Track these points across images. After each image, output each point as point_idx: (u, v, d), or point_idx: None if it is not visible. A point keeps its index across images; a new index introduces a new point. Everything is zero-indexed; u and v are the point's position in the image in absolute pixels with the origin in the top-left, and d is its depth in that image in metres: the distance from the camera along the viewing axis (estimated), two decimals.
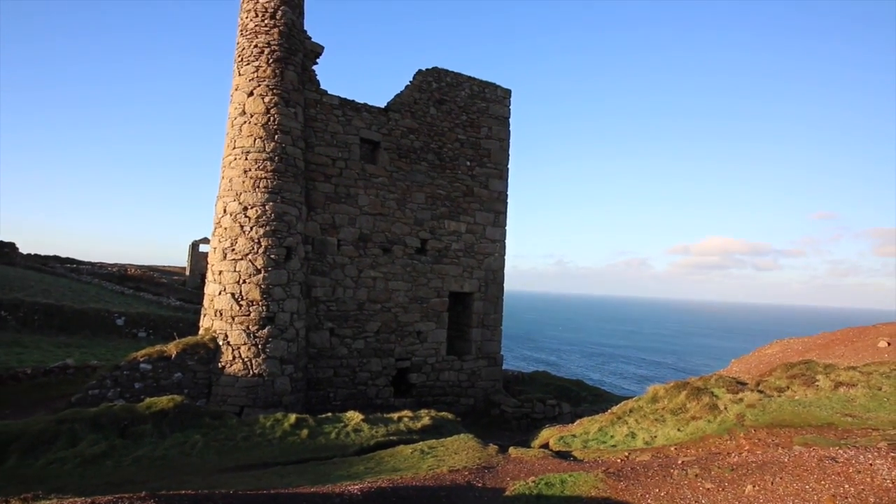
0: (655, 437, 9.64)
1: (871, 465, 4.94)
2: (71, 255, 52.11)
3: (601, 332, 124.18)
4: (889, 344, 12.58)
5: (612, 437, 10.28)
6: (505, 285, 18.89)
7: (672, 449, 8.48)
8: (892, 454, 5.14)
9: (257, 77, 14.01)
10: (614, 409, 11.49)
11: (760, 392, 10.18)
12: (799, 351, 13.87)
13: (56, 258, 49.12)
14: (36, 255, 46.68)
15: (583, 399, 19.36)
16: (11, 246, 41.67)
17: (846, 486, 4.73)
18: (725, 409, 9.62)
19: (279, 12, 14.25)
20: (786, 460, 5.36)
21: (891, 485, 4.59)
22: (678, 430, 9.57)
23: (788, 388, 10.34)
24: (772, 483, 5.02)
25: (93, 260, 54.81)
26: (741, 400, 9.72)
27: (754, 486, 5.05)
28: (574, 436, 10.66)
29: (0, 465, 7.85)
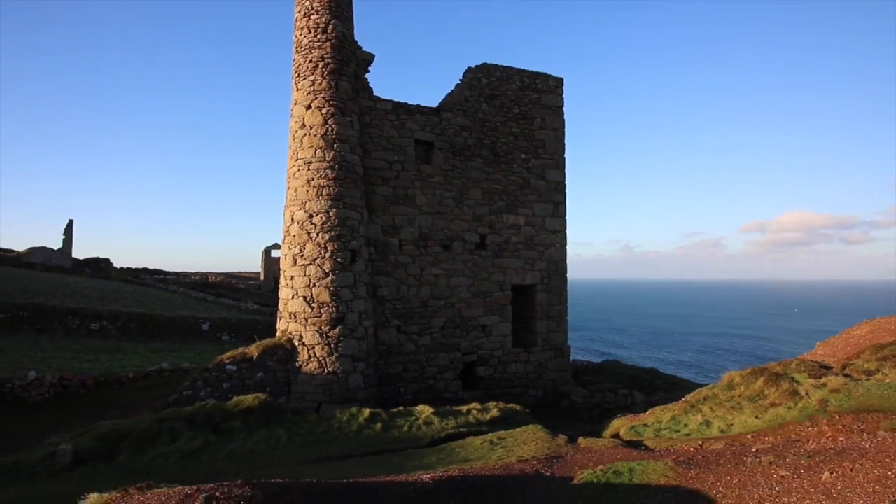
0: (732, 425, 9.36)
1: None
2: (158, 267, 56.25)
3: (673, 318, 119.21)
4: None
5: (685, 425, 10.06)
6: (568, 275, 18.72)
7: (748, 437, 8.25)
8: None
9: (314, 90, 14.66)
10: (688, 397, 11.20)
11: (846, 376, 9.64)
12: (891, 331, 12.93)
13: (146, 270, 53.22)
14: (128, 269, 50.81)
15: (657, 388, 18.83)
16: (107, 262, 45.57)
17: None
18: (807, 394, 9.18)
19: (330, 26, 14.83)
20: (867, 446, 5.15)
21: None
22: (756, 417, 9.24)
23: (878, 370, 9.74)
24: (851, 469, 4.85)
25: (177, 270, 58.93)
26: (824, 385, 9.24)
27: (832, 473, 4.90)
28: (646, 425, 10.52)
29: (114, 460, 8.83)
